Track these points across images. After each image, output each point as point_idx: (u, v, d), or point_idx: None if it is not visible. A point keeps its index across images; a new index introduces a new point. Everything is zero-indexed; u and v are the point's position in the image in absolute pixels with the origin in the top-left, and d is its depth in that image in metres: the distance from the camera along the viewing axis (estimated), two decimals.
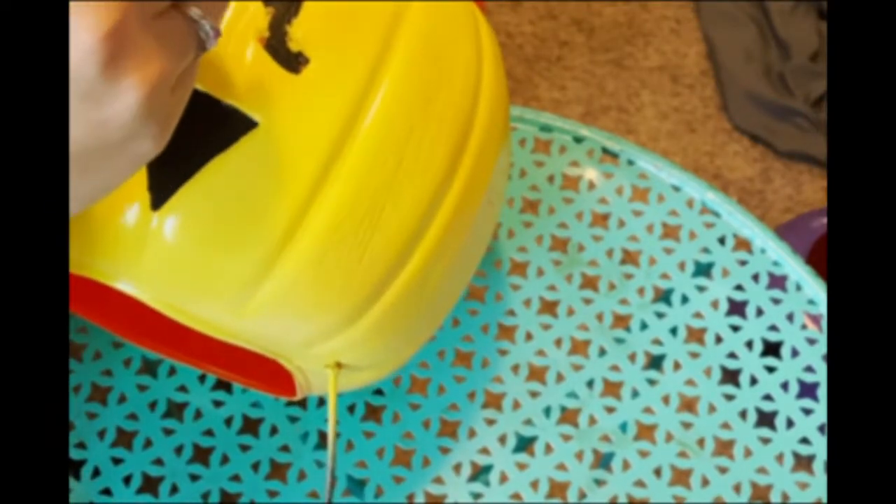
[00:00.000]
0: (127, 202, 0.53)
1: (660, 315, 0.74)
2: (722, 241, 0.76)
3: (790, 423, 0.71)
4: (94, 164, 0.44)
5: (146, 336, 0.66)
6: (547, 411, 0.70)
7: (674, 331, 0.73)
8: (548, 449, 0.69)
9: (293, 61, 0.54)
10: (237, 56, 0.53)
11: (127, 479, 0.68)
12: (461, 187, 0.59)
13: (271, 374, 0.64)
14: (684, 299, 0.74)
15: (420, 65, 0.57)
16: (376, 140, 0.55)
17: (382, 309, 0.58)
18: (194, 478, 0.68)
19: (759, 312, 0.74)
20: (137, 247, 0.54)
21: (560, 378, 0.71)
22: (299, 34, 0.54)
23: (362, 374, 0.62)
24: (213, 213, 0.53)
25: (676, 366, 0.72)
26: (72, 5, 0.41)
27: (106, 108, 0.42)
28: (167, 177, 0.53)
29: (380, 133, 0.55)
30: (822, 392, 0.72)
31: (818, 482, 0.69)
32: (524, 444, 0.70)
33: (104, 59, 0.41)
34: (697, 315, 0.74)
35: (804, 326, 0.74)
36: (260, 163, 0.53)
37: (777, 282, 0.75)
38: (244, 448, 0.69)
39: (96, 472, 0.68)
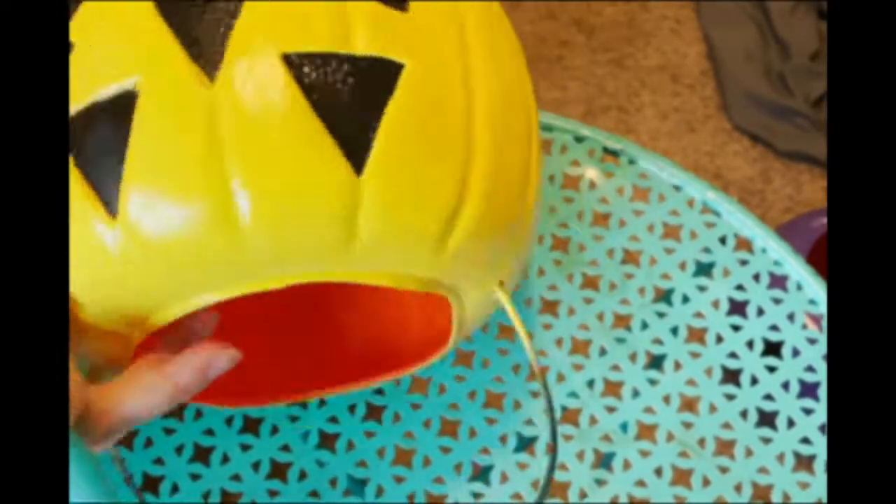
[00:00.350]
0: (326, 185, 0.53)
1: (660, 315, 0.74)
2: (723, 240, 0.76)
3: (791, 423, 0.71)
4: None
5: (287, 389, 0.68)
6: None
7: (674, 330, 0.73)
8: (549, 449, 0.69)
9: (397, 1, 0.56)
10: (351, 9, 0.55)
11: (128, 479, 0.68)
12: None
13: (419, 341, 0.67)
14: (685, 299, 0.74)
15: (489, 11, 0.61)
16: (485, 49, 0.58)
17: (531, 206, 0.62)
18: (195, 477, 0.68)
19: (760, 312, 0.74)
20: (349, 224, 0.54)
21: (560, 378, 0.72)
22: None
23: (511, 254, 0.63)
24: (406, 158, 0.54)
25: (677, 365, 0.72)
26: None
27: None
28: (356, 140, 0.54)
29: (484, 40, 0.59)
30: (823, 392, 0.72)
31: (819, 482, 0.69)
32: (525, 444, 0.70)
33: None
34: (698, 315, 0.74)
35: (805, 326, 0.74)
36: (422, 99, 0.55)
37: (778, 282, 0.75)
38: (245, 447, 0.69)
39: None
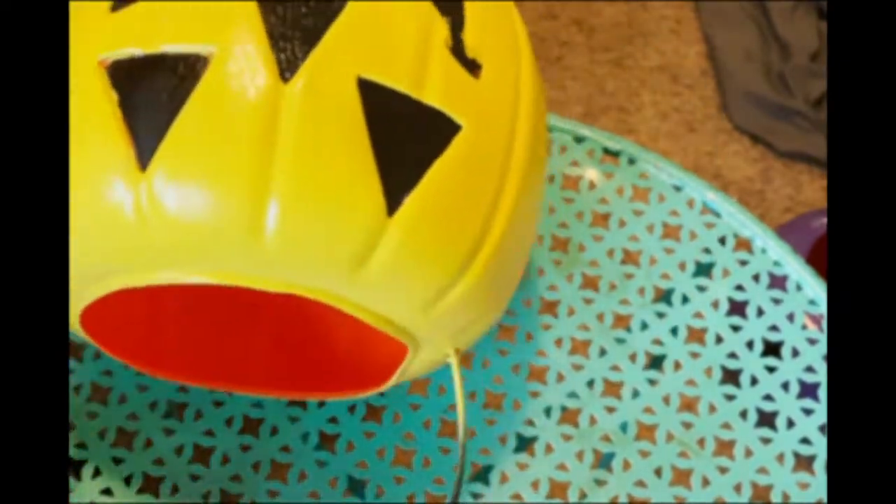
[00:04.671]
0: (358, 213, 0.54)
1: (660, 315, 0.74)
2: (722, 241, 0.76)
3: (791, 424, 0.71)
4: None
5: (205, 375, 0.67)
6: (547, 411, 0.70)
7: (674, 331, 0.73)
8: (548, 449, 0.69)
9: (472, 66, 0.57)
10: (433, 61, 0.56)
11: (127, 480, 0.68)
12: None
13: (358, 367, 0.67)
14: (685, 299, 0.74)
15: (533, 72, 0.62)
16: (532, 121, 0.60)
17: (514, 290, 0.63)
18: (195, 478, 0.68)
19: (760, 312, 0.74)
20: (364, 258, 0.55)
21: (560, 378, 0.72)
22: (470, 41, 0.58)
23: (476, 328, 0.63)
24: (434, 218, 0.55)
25: (677, 366, 0.72)
26: None
27: None
28: (399, 183, 0.54)
29: (532, 114, 0.60)
30: (823, 392, 0.72)
31: (819, 482, 0.69)
32: (524, 444, 0.70)
33: None
34: (698, 315, 0.74)
35: (805, 327, 0.74)
36: (466, 165, 0.56)
37: (777, 282, 0.75)
38: (245, 448, 0.69)
39: (97, 472, 0.68)
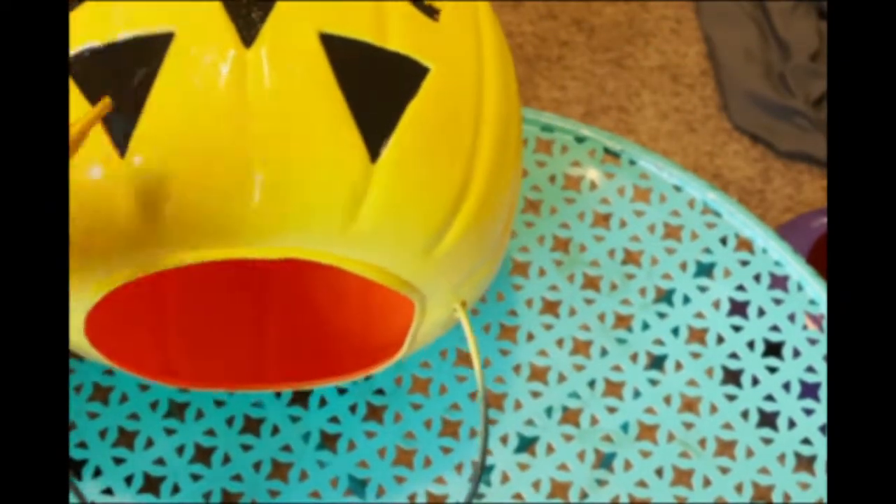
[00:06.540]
0: (343, 165, 0.54)
1: (661, 315, 0.74)
2: (723, 241, 0.76)
3: (792, 424, 0.71)
4: None
5: (220, 379, 0.68)
6: (548, 411, 0.70)
7: (675, 331, 0.73)
8: (549, 449, 0.69)
9: (430, 11, 0.58)
10: (391, 8, 0.57)
11: (128, 479, 0.68)
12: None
13: (369, 343, 0.67)
14: (686, 299, 0.74)
15: (489, 14, 0.62)
16: (498, 65, 0.60)
17: (509, 228, 0.64)
18: (196, 477, 0.68)
19: (761, 313, 0.74)
20: (353, 208, 0.55)
21: (562, 378, 0.72)
22: None
23: (478, 277, 0.63)
24: (416, 159, 0.56)
25: (678, 366, 0.72)
26: None
27: None
28: (376, 129, 0.55)
29: (497, 58, 0.60)
30: (824, 392, 0.72)
31: (820, 482, 0.69)
32: (526, 445, 0.70)
33: None
34: (699, 315, 0.74)
35: (805, 327, 0.74)
36: (440, 104, 0.57)
37: (778, 282, 0.75)
38: (245, 448, 0.69)
39: (97, 472, 0.68)
